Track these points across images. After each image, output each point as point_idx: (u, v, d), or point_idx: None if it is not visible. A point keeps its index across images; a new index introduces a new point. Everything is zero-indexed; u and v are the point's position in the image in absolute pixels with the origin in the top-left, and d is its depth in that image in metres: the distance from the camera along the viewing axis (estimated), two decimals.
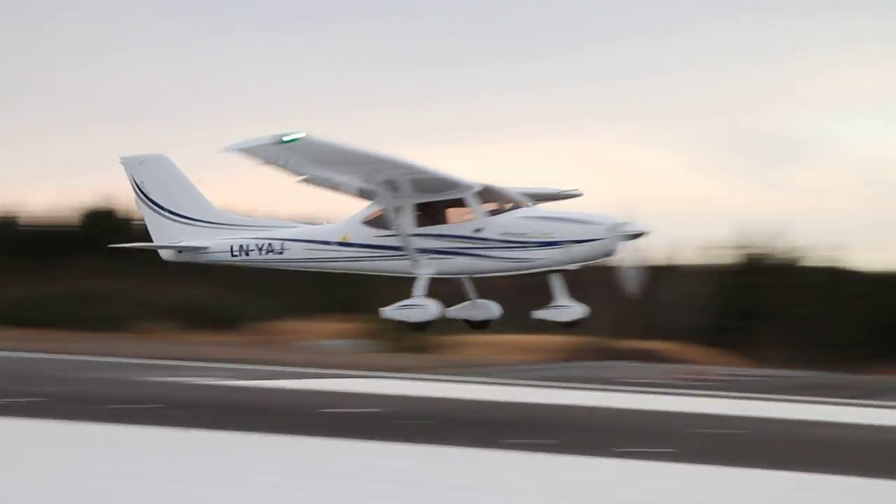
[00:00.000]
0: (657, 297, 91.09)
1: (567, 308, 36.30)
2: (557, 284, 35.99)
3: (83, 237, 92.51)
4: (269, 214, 41.00)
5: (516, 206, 34.95)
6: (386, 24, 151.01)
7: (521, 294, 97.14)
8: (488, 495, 24.81)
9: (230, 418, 36.86)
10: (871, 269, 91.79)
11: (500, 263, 34.68)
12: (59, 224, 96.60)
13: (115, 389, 47.59)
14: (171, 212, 38.94)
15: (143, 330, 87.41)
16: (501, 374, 69.96)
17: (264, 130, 31.50)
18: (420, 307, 34.96)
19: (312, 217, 46.41)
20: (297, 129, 31.16)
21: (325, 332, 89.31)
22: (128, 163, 39.51)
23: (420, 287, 35.16)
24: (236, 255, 37.60)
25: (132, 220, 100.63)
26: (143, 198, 39.26)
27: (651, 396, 55.84)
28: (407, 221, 35.06)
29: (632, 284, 34.77)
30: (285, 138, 31.12)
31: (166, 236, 38.98)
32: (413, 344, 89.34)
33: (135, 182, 39.38)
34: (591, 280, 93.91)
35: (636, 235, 33.96)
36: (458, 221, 34.95)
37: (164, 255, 39.19)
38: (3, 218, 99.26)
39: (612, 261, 34.92)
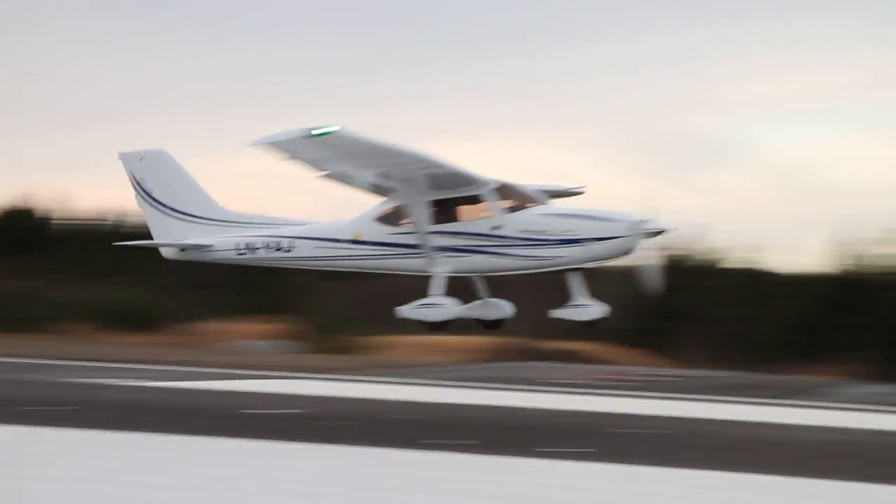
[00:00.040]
0: None
1: (586, 307, 35.42)
2: (576, 283, 35.20)
3: None
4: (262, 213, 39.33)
5: (534, 204, 34.34)
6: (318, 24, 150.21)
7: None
8: (409, 496, 24.71)
9: (149, 420, 36.41)
10: (789, 270, 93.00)
11: (518, 262, 33.99)
12: None
13: (31, 391, 46.87)
14: (172, 209, 37.89)
15: (61, 331, 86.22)
16: (424, 374, 69.90)
17: (292, 125, 30.77)
18: (438, 306, 34.14)
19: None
20: (329, 123, 30.37)
21: (247, 332, 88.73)
22: (126, 158, 38.40)
23: (437, 286, 34.32)
24: (242, 254, 36.61)
25: (51, 219, 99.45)
26: (144, 194, 38.19)
27: (573, 397, 56.06)
28: (425, 218, 34.26)
29: (653, 283, 34.16)
30: (316, 132, 30.38)
31: (168, 234, 37.95)
32: (336, 345, 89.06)
33: (134, 178, 38.28)
34: (514, 280, 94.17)
35: (657, 233, 33.43)
36: (476, 219, 34.21)
37: (167, 253, 38.10)
38: None
39: (633, 259, 34.23)
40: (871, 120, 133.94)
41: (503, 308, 37.50)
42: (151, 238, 38.49)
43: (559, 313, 35.73)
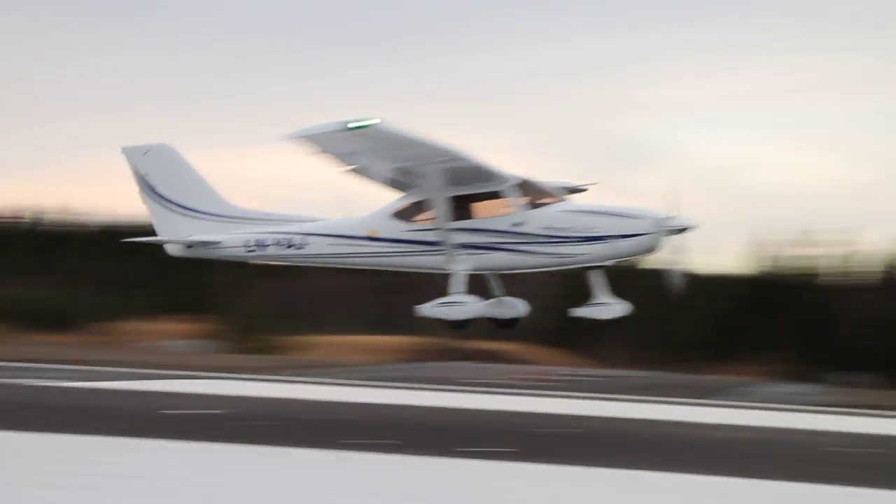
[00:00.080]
0: None
1: (608, 305, 34.66)
2: (597, 281, 34.46)
3: None
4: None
5: (555, 200, 33.74)
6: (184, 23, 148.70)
7: (366, 295, 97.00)
8: (330, 496, 24.64)
9: (67, 421, 35.94)
10: (710, 271, 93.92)
11: (540, 259, 33.27)
12: None
13: None
14: (178, 204, 36.92)
15: None
16: (345, 374, 69.73)
17: (327, 118, 30.12)
18: (460, 304, 33.30)
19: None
20: (368, 116, 29.68)
21: (168, 332, 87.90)
22: (130, 153, 37.41)
23: (458, 283, 33.45)
24: (252, 251, 35.76)
25: None
26: (148, 190, 37.23)
27: (494, 397, 56.21)
28: (446, 215, 33.41)
29: (677, 281, 33.59)
30: (352, 125, 29.69)
31: (174, 230, 36.99)
32: (258, 345, 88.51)
33: (138, 173, 37.33)
34: (437, 281, 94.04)
35: (681, 230, 32.81)
36: (496, 215, 33.41)
37: (172, 249, 37.15)
38: None
39: (656, 256, 34.00)
40: (790, 124, 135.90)
41: (517, 307, 36.73)
42: (150, 235, 37.44)
43: (580, 312, 35.03)
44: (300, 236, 35.34)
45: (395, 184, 34.17)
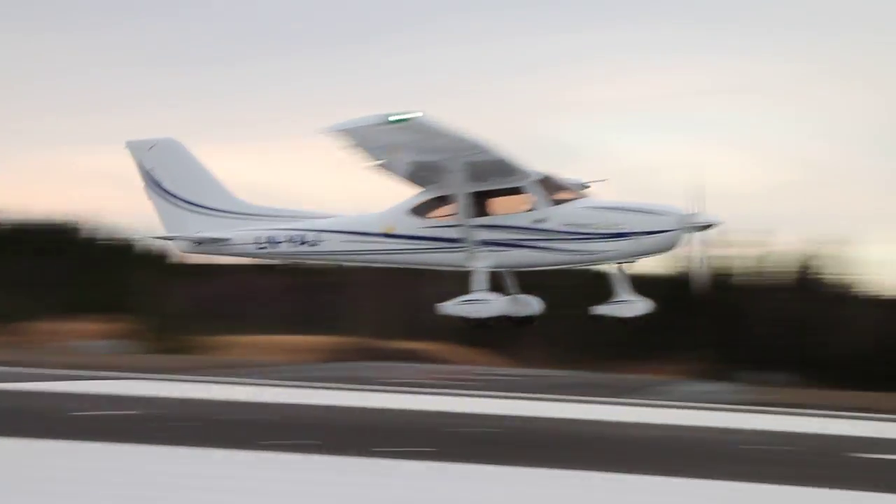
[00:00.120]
0: (421, 298, 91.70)
1: (630, 303, 34.01)
2: (619, 278, 33.89)
3: None
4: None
5: (577, 196, 33.08)
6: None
7: (286, 294, 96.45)
8: (248, 497, 24.41)
9: None
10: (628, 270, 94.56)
11: (562, 256, 32.67)
12: None
13: None
14: (185, 200, 35.98)
15: None
16: (264, 374, 69.24)
17: (366, 111, 29.45)
18: (483, 302, 32.51)
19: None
20: (410, 109, 28.93)
21: (82, 332, 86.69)
22: (135, 147, 36.47)
23: (480, 281, 32.72)
24: (263, 248, 34.86)
25: None
26: (154, 185, 36.27)
27: (413, 396, 56.12)
28: (468, 211, 32.60)
29: (701, 277, 33.09)
30: (394, 118, 28.90)
31: (181, 227, 35.95)
32: (175, 344, 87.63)
33: (143, 168, 36.36)
34: (357, 280, 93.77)
35: (706, 226, 32.32)
36: (518, 211, 32.81)
37: (179, 247, 36.16)
38: None
39: (680, 253, 33.16)
40: (710, 125, 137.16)
41: (532, 305, 36.10)
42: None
43: (602, 310, 34.39)
44: (314, 233, 34.57)
45: (416, 179, 33.37)
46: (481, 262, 32.80)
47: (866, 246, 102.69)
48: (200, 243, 35.80)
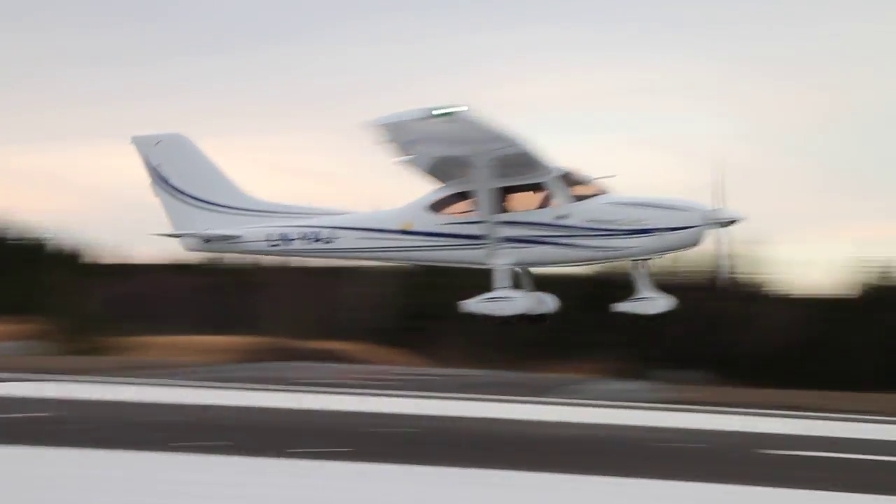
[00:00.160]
0: (338, 298, 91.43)
1: (652, 300, 33.48)
2: (641, 275, 33.38)
3: None
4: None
5: (599, 192, 32.34)
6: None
7: (203, 295, 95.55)
8: (161, 499, 24.10)
9: None
10: (543, 271, 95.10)
11: (585, 252, 32.14)
12: None
13: None
14: (193, 197, 35.05)
15: None
16: (178, 375, 68.54)
17: (409, 105, 28.78)
18: (507, 300, 31.82)
19: None
20: (454, 103, 28.36)
21: None
22: (141, 143, 35.47)
23: (503, 278, 32.04)
24: (275, 245, 33.98)
25: None
26: (161, 182, 35.28)
27: (330, 397, 55.90)
28: (491, 206, 31.86)
29: (723, 273, 32.87)
30: (438, 112, 28.38)
31: (189, 224, 35.00)
32: (89, 345, 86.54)
33: (149, 164, 35.41)
34: (274, 280, 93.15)
35: (730, 222, 31.68)
36: (540, 207, 32.24)
37: (188, 244, 35.18)
38: None
39: (702, 248, 32.63)
40: (630, 125, 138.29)
41: (548, 302, 35.39)
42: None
43: (623, 307, 33.85)
44: (328, 230, 33.85)
45: (437, 174, 32.65)
46: (502, 260, 32.26)
47: (778, 245, 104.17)
48: (209, 241, 35.01)
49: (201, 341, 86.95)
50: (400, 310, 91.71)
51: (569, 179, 32.49)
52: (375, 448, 34.28)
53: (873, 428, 53.23)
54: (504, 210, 32.30)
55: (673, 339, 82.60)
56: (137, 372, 69.63)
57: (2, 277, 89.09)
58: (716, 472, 32.17)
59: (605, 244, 31.99)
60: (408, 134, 29.85)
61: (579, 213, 32.00)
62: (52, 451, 30.73)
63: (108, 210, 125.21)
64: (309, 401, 52.30)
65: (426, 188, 33.81)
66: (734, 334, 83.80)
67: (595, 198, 32.28)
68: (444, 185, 32.99)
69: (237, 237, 34.62)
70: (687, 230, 31.66)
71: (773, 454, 38.95)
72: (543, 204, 32.30)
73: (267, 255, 34.97)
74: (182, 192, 35.42)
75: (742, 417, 54.59)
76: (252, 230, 34.57)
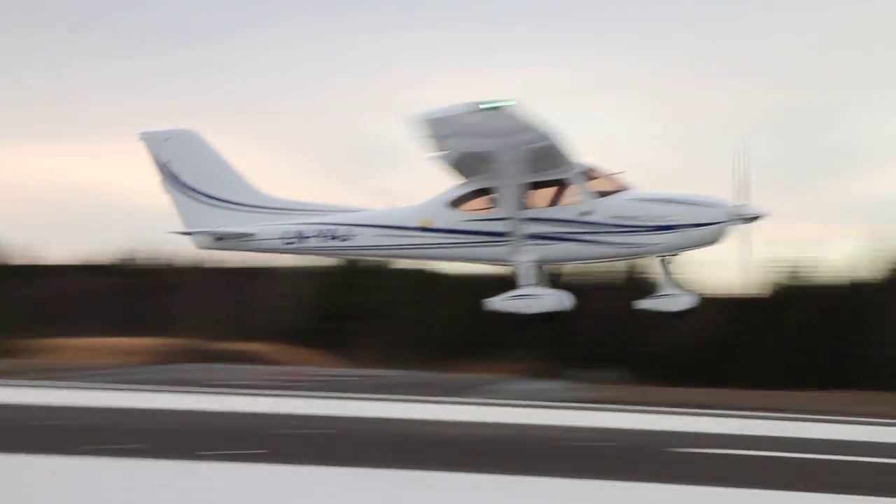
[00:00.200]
0: (253, 298, 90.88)
1: (676, 297, 32.66)
2: (665, 271, 32.71)
3: None
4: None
5: (621, 188, 31.68)
6: None
7: (116, 297, 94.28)
8: None
9: None
10: (457, 271, 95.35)
11: (609, 249, 31.38)
12: None
13: None
14: (205, 194, 34.14)
15: None
16: (90, 378, 67.74)
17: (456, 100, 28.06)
18: (534, 297, 31.10)
19: None
20: (502, 98, 27.67)
21: None
22: (150, 139, 34.43)
23: (528, 275, 31.30)
24: (291, 243, 33.04)
25: None
26: (171, 179, 34.28)
27: (244, 398, 55.60)
28: (516, 203, 31.21)
29: (745, 269, 32.09)
30: (485, 105, 27.74)
31: (201, 222, 34.09)
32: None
33: (159, 161, 34.45)
34: (188, 281, 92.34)
35: (753, 218, 31.11)
36: (563, 203, 31.49)
37: (199, 242, 34.13)
38: None
39: (726, 244, 31.71)
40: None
41: (565, 300, 33.68)
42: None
43: (647, 304, 33.04)
44: (345, 227, 33.05)
45: (462, 169, 31.93)
46: (526, 256, 31.60)
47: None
48: (221, 238, 34.10)
49: (114, 343, 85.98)
50: (315, 310, 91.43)
51: (591, 175, 32.12)
52: (290, 450, 34.13)
53: (783, 425, 54.08)
54: (528, 206, 31.93)
55: (588, 338, 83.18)
56: (49, 375, 68.73)
57: None
58: (626, 470, 32.46)
59: (629, 241, 31.60)
60: (449, 128, 29.43)
61: (603, 210, 31.49)
62: None
63: (17, 209, 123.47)
64: (222, 403, 51.97)
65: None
66: (649, 334, 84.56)
67: (618, 194, 31.92)
68: (465, 181, 32.44)
69: (251, 235, 33.85)
70: (711, 227, 31.41)
71: (683, 452, 39.39)
72: (567, 200, 31.89)
73: (282, 253, 34.21)
74: (193, 190, 34.61)
75: (655, 416, 55.16)
76: (266, 228, 33.80)
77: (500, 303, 31.28)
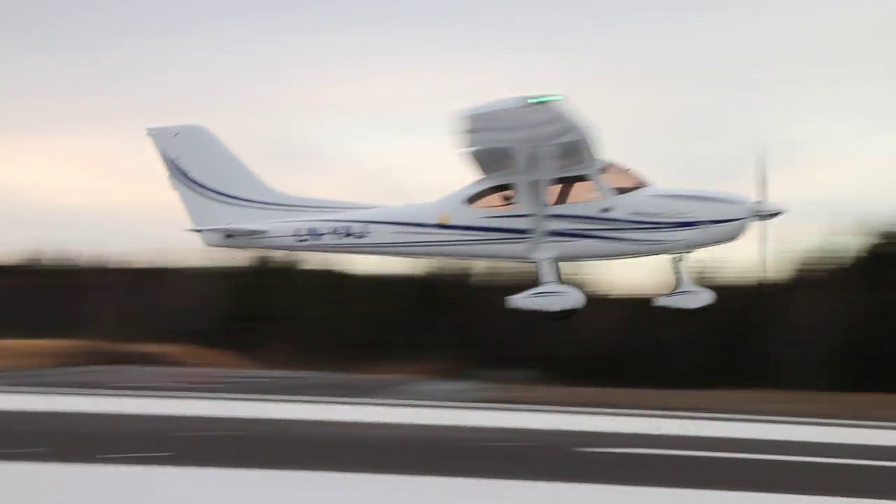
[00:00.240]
0: (161, 299, 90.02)
1: (695, 294, 32.53)
2: (682, 268, 32.44)
3: None
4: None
5: (640, 184, 31.42)
6: None
7: (19, 297, 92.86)
8: None
9: None
10: (366, 272, 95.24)
11: (629, 246, 31.16)
12: None
13: None
14: (215, 191, 33.49)
15: None
16: None
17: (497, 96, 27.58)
18: (558, 294, 30.77)
19: None
20: (550, 92, 27.23)
21: None
22: (158, 135, 33.66)
23: (549, 272, 31.01)
24: (303, 240, 32.42)
25: None
26: (179, 175, 33.47)
27: (151, 400, 55.05)
28: (537, 199, 30.82)
29: (766, 266, 31.97)
30: (533, 100, 27.32)
31: (211, 219, 33.35)
32: None
33: (168, 157, 33.64)
34: (95, 282, 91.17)
35: (773, 215, 30.99)
36: (583, 200, 31.20)
37: (209, 240, 33.29)
38: None
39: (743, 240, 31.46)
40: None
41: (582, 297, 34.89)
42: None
43: (665, 301, 32.70)
44: (360, 224, 32.58)
45: (483, 165, 31.38)
46: (545, 254, 31.33)
47: None
48: (231, 236, 33.39)
49: (19, 345, 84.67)
50: (225, 311, 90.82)
51: (611, 171, 31.84)
52: (197, 452, 33.84)
53: (691, 424, 54.69)
54: (547, 203, 31.63)
55: (499, 339, 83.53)
56: None
57: None
58: (532, 470, 32.62)
59: (649, 237, 31.43)
60: (491, 123, 29.02)
61: (623, 206, 31.31)
62: None
63: None
64: (128, 405, 51.41)
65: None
66: (559, 334, 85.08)
67: (638, 190, 31.68)
68: (484, 177, 31.89)
69: (263, 232, 33.21)
70: (732, 223, 31.30)
71: (591, 451, 39.69)
72: (588, 196, 31.60)
73: (294, 250, 33.59)
74: (202, 186, 33.92)
75: (564, 416, 55.52)
76: (279, 225, 33.19)
77: (522, 300, 30.98)
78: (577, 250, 31.76)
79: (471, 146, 30.00)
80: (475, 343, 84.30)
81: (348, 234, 32.66)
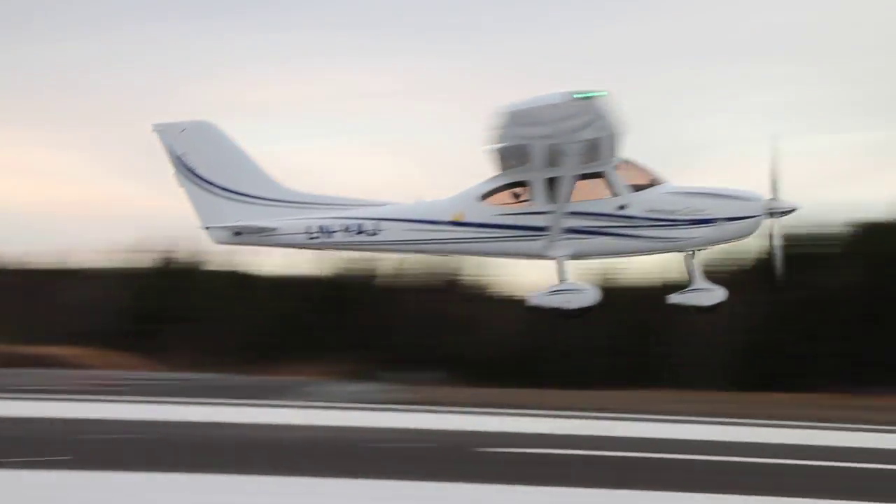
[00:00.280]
0: (61, 300, 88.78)
1: (708, 291, 32.25)
2: (694, 265, 32.25)
3: None
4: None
5: (655, 181, 31.34)
6: None
7: None
8: None
9: None
10: (271, 272, 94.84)
11: (646, 243, 31.10)
12: None
13: None
14: (223, 188, 32.84)
15: None
16: None
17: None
18: (576, 291, 30.65)
19: None
20: (595, 88, 27.12)
21: None
22: (164, 131, 32.94)
23: (566, 270, 30.87)
24: (314, 238, 31.94)
25: None
26: (186, 172, 32.83)
27: (48, 403, 54.22)
28: (556, 196, 30.60)
29: (778, 265, 31.54)
30: (578, 95, 27.16)
31: (219, 216, 32.65)
32: None
33: (173, 153, 32.93)
34: None
35: (788, 212, 31.15)
36: (599, 197, 31.08)
37: (217, 237, 32.65)
38: None
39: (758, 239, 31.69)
40: (370, 129, 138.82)
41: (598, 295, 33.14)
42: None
43: (678, 299, 32.37)
44: (372, 221, 32.11)
45: (503, 161, 31.09)
46: (561, 251, 31.22)
47: None
48: (239, 233, 32.77)
49: None
50: (127, 313, 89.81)
51: (626, 168, 31.80)
52: (96, 456, 33.36)
53: (595, 424, 55.15)
54: (569, 200, 31.47)
55: (403, 340, 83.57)
56: None
57: None
58: (434, 470, 32.66)
59: (665, 234, 31.45)
60: (530, 119, 28.81)
61: (639, 203, 31.34)
62: None
63: None
64: (25, 408, 50.59)
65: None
66: (462, 335, 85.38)
67: (654, 187, 31.70)
68: (500, 173, 31.61)
69: (273, 229, 32.67)
70: (747, 220, 31.45)
71: (495, 452, 39.83)
72: (604, 193, 31.52)
73: (305, 248, 33.10)
74: (210, 183, 33.28)
75: (468, 416, 55.69)
76: (289, 222, 32.70)
77: (541, 298, 30.90)
78: (593, 248, 31.73)
79: (503, 142, 29.80)
80: (380, 344, 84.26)
81: (360, 232, 32.37)
